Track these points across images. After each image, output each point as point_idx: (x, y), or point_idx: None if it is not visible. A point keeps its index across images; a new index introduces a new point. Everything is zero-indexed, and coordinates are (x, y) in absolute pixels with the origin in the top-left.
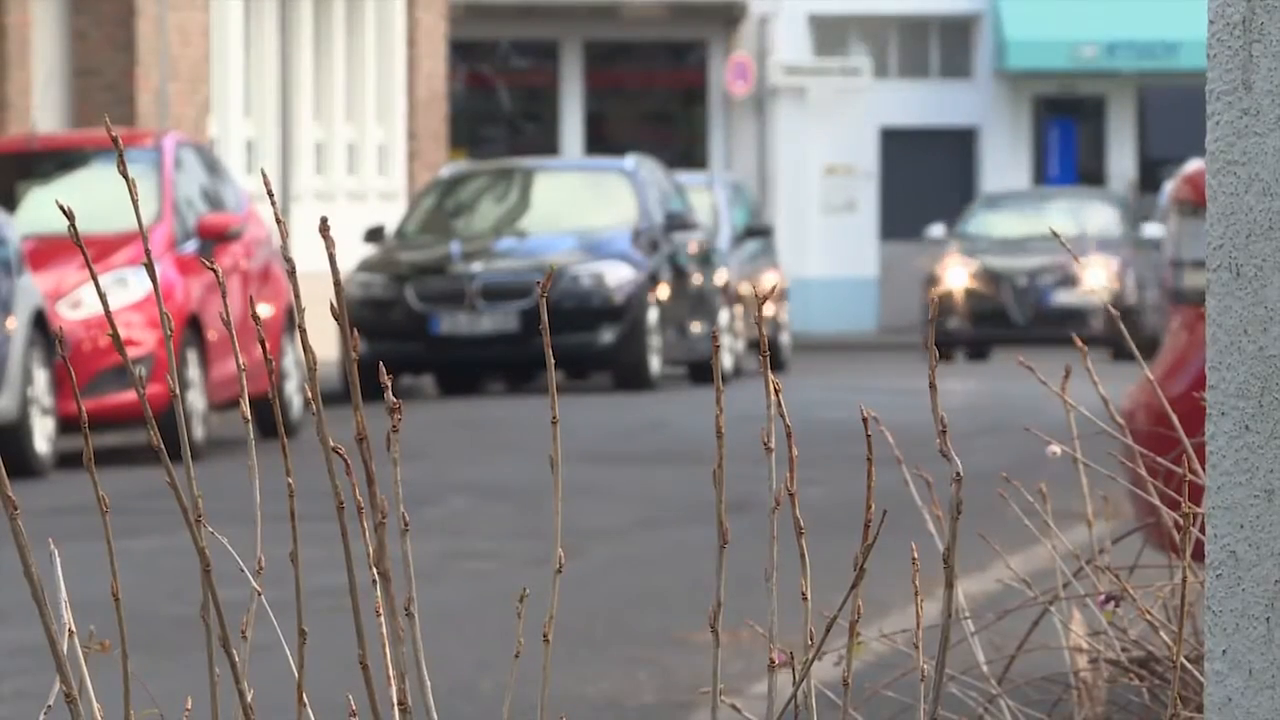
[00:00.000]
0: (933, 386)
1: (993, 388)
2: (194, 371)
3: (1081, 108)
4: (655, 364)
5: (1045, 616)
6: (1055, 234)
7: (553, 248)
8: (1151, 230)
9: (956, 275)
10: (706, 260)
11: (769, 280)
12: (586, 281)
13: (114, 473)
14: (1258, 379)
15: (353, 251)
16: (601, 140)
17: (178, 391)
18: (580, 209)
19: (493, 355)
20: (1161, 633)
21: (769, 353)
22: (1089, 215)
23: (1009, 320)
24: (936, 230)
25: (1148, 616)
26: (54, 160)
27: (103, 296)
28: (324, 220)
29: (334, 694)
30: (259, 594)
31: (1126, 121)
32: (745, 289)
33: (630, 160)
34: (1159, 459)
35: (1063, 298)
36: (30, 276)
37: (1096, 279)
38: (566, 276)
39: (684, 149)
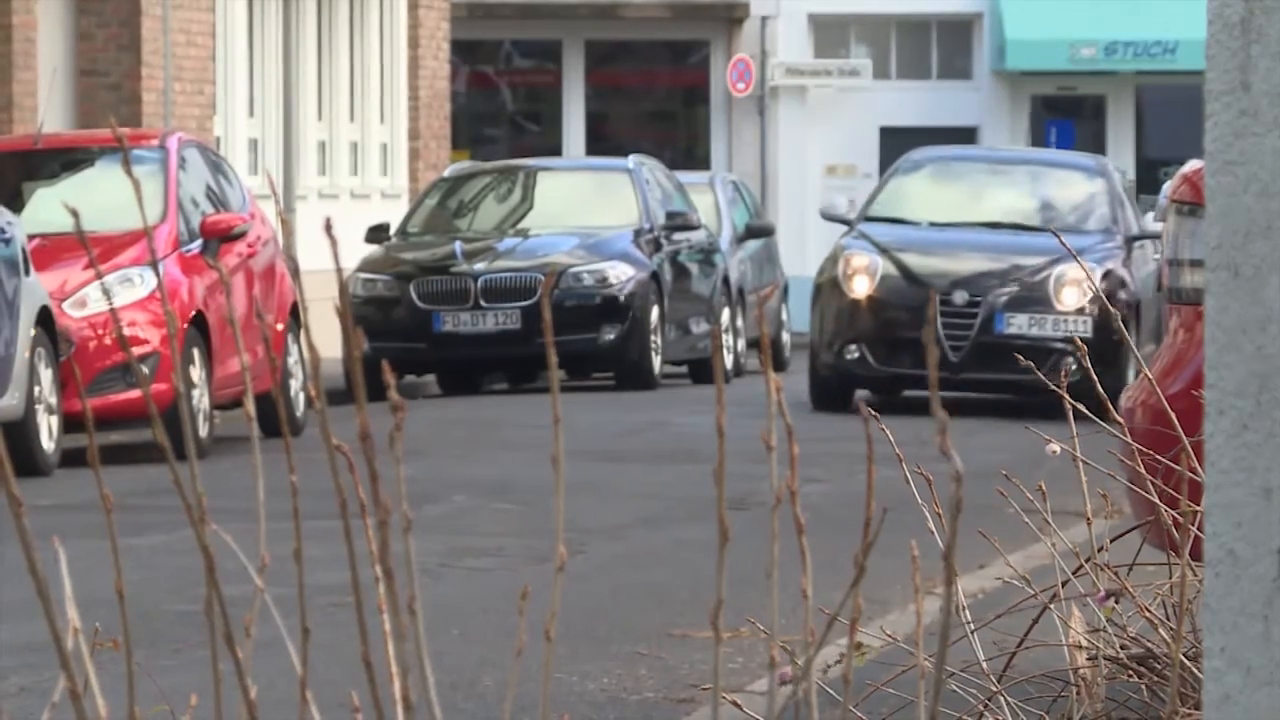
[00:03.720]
0: (933, 385)
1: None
2: (198, 370)
3: (1081, 108)
4: (657, 363)
5: (1045, 614)
6: (1052, 231)
7: (555, 247)
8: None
9: (861, 283)
10: (708, 260)
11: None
12: (589, 281)
13: (118, 470)
14: (1256, 378)
15: (356, 251)
16: (603, 140)
17: (183, 390)
18: (582, 208)
19: (495, 354)
20: (1160, 630)
21: (770, 351)
22: (1061, 193)
23: (940, 354)
24: (839, 203)
25: (1147, 614)
26: (59, 160)
27: (108, 295)
28: (328, 221)
29: (337, 691)
30: (262, 591)
31: (1125, 121)
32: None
33: (632, 160)
34: (1158, 457)
35: (1022, 324)
36: (36, 275)
37: (1070, 297)
38: (569, 276)
39: (685, 149)
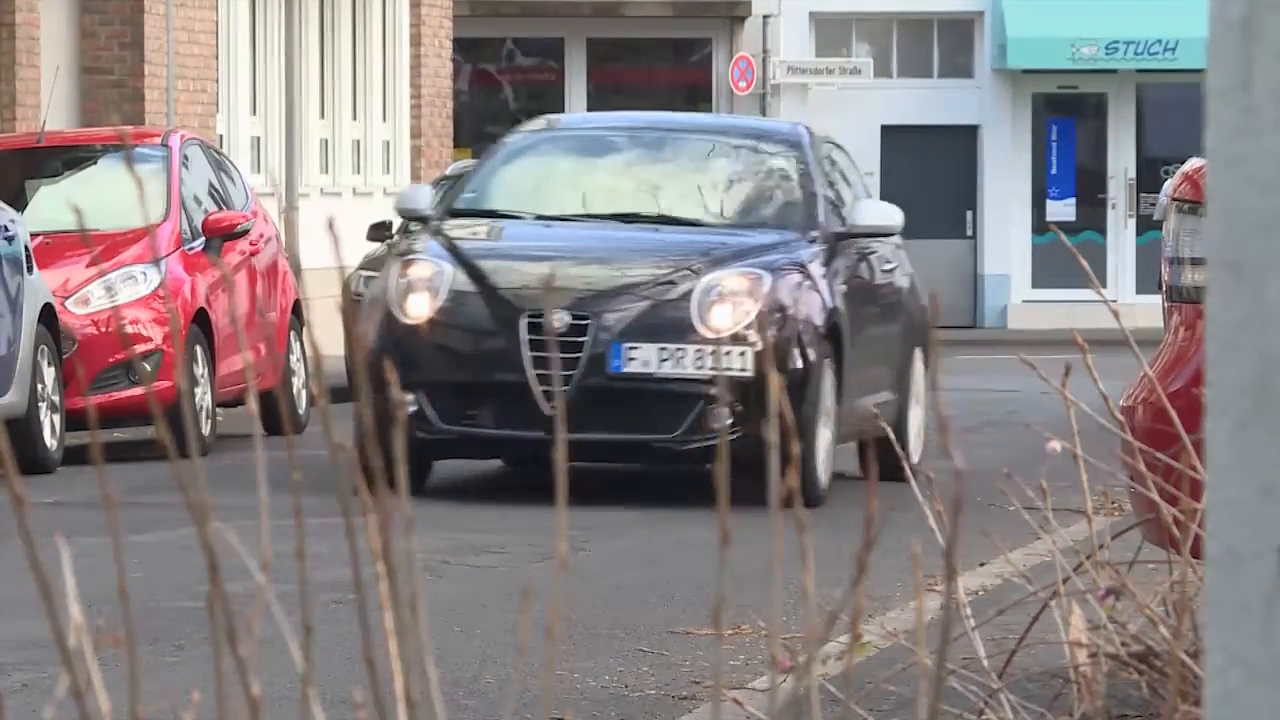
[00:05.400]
0: (933, 386)
1: (993, 384)
2: (201, 368)
3: (1082, 106)
4: None
5: (1045, 611)
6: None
7: None
8: (876, 213)
9: (419, 303)
10: None
11: None
12: None
13: (121, 468)
14: (1257, 376)
15: (358, 248)
16: None
17: (185, 387)
18: None
19: None
20: (1161, 627)
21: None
22: (740, 175)
23: (528, 411)
24: (420, 197)
25: (1147, 611)
26: (62, 158)
27: (110, 293)
28: (330, 219)
29: (340, 687)
30: (265, 588)
31: (1127, 120)
32: None
33: None
34: (1158, 455)
35: (649, 358)
36: (39, 273)
37: (722, 319)
38: None
39: None
